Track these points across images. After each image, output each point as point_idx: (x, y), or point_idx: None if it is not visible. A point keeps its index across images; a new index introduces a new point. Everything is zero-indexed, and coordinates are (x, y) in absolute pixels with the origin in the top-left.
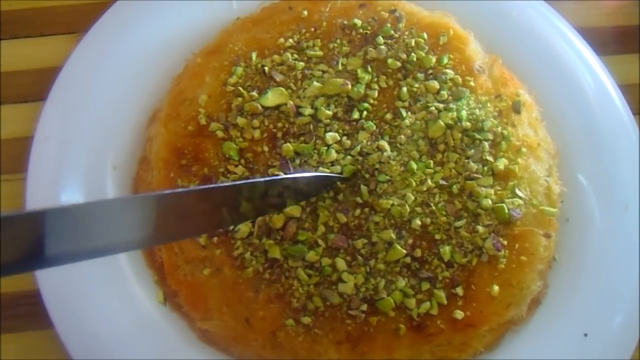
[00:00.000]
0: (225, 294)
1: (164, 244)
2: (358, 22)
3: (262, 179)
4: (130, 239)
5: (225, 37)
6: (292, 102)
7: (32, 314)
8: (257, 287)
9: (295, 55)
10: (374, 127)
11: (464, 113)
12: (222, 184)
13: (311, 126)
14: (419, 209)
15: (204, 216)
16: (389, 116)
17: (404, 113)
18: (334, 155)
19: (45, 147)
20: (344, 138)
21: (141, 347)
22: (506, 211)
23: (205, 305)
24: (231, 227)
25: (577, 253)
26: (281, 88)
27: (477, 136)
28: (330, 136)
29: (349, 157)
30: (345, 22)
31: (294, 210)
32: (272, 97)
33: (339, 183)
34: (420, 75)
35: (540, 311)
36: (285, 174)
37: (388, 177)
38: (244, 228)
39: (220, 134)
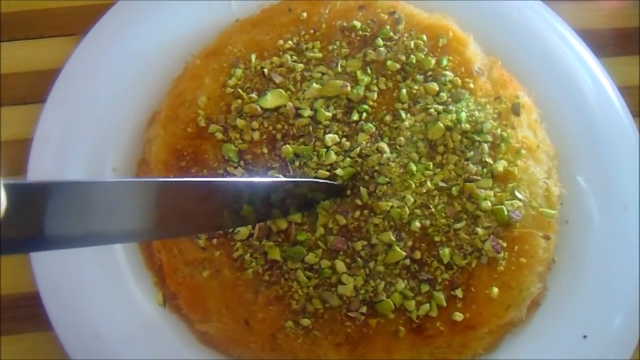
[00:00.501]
0: (225, 296)
1: (164, 239)
2: (357, 24)
3: (264, 180)
4: (129, 226)
5: (224, 38)
6: (291, 104)
7: (31, 316)
8: (256, 289)
9: (295, 57)
10: (374, 129)
11: (463, 115)
12: (223, 179)
13: (310, 128)
14: (418, 211)
15: (205, 214)
16: (388, 118)
17: (403, 115)
18: (333, 157)
19: (45, 148)
20: (344, 140)
21: (141, 349)
22: (505, 213)
23: (205, 307)
24: (231, 230)
25: (577, 255)
26: (280, 90)
27: (477, 138)
28: (330, 138)
29: (348, 158)
30: (345, 24)
31: (295, 216)
32: (271, 99)
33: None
34: (420, 77)
35: (539, 313)
36: (285, 176)
37: (387, 179)
38: (243, 230)
39: (219, 135)
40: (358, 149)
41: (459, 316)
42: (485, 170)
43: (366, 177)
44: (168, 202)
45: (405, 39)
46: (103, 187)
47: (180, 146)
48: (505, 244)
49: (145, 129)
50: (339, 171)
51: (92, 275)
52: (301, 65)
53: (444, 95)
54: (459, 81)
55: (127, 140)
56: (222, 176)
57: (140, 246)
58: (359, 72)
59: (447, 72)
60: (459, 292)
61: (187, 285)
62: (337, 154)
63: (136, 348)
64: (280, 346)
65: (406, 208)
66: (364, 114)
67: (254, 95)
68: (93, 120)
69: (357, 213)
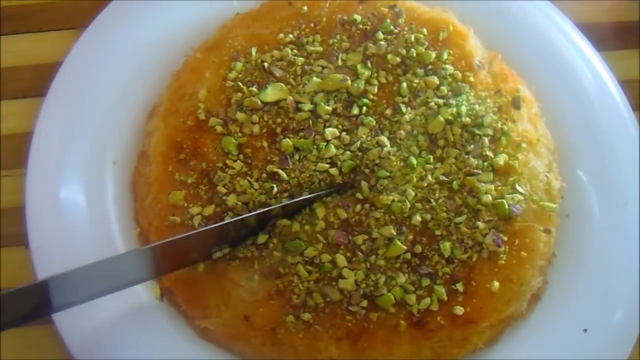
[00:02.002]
0: (220, 286)
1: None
2: (358, 17)
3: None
4: (137, 277)
5: (224, 32)
6: (291, 98)
7: None
8: (249, 276)
9: (295, 51)
10: (374, 123)
11: (463, 109)
12: (217, 224)
13: (310, 122)
14: (419, 205)
15: (209, 246)
16: (388, 112)
17: (403, 108)
18: (333, 150)
19: (45, 142)
20: (344, 134)
21: (140, 343)
22: (506, 207)
23: (203, 303)
24: None
25: (577, 249)
26: (281, 83)
27: (477, 132)
28: (330, 132)
29: (348, 152)
30: (345, 17)
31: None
32: (271, 93)
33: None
34: (420, 71)
35: (540, 307)
36: (284, 169)
37: (388, 173)
38: None
39: (219, 129)
40: (358, 142)
41: (459, 310)
42: (485, 163)
43: (366, 171)
44: (171, 256)
45: (405, 32)
46: (102, 265)
47: (180, 139)
48: (506, 238)
49: (145, 122)
50: (338, 165)
51: None
52: (301, 59)
53: (444, 88)
54: (460, 75)
55: (127, 134)
56: (221, 169)
57: (138, 238)
58: (359, 66)
59: (447, 66)
60: (459, 286)
61: (184, 281)
62: (337, 147)
63: (136, 342)
64: (281, 341)
65: (407, 202)
66: (364, 108)
67: (254, 88)
68: (93, 113)
69: (358, 207)
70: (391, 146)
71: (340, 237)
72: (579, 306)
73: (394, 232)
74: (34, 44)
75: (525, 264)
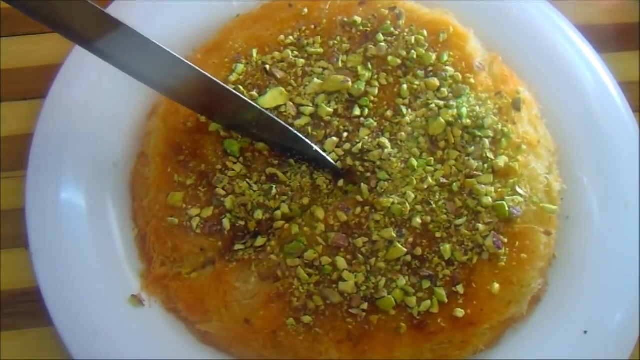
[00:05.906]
0: (217, 289)
1: None
2: (358, 19)
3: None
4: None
5: (225, 34)
6: (291, 103)
7: (32, 312)
8: (246, 278)
9: (296, 52)
10: (375, 125)
11: (464, 110)
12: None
13: (310, 128)
14: (419, 207)
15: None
16: (389, 113)
17: (404, 110)
18: (333, 156)
19: (45, 144)
20: (345, 134)
21: (140, 346)
22: (506, 209)
23: (203, 307)
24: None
25: (577, 250)
26: (280, 88)
27: (478, 133)
28: (330, 142)
29: (349, 157)
30: (345, 19)
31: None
32: (270, 99)
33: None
34: (421, 73)
35: (540, 309)
36: (284, 172)
37: (388, 175)
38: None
39: (220, 131)
40: (359, 144)
41: (460, 312)
42: (486, 165)
43: (367, 174)
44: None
45: (406, 34)
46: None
47: (179, 140)
48: (506, 240)
49: (145, 122)
50: (340, 165)
51: (92, 272)
52: (302, 61)
53: (444, 90)
54: (460, 76)
55: (127, 135)
56: (220, 171)
57: (136, 239)
58: (359, 68)
59: (447, 68)
60: (460, 288)
61: (185, 287)
62: (337, 154)
63: (135, 344)
64: (282, 343)
65: (407, 204)
66: (365, 109)
67: (254, 92)
68: (93, 115)
69: (358, 209)
70: (392, 148)
71: (341, 240)
72: (579, 308)
73: (394, 235)
74: (34, 45)
75: (526, 265)
